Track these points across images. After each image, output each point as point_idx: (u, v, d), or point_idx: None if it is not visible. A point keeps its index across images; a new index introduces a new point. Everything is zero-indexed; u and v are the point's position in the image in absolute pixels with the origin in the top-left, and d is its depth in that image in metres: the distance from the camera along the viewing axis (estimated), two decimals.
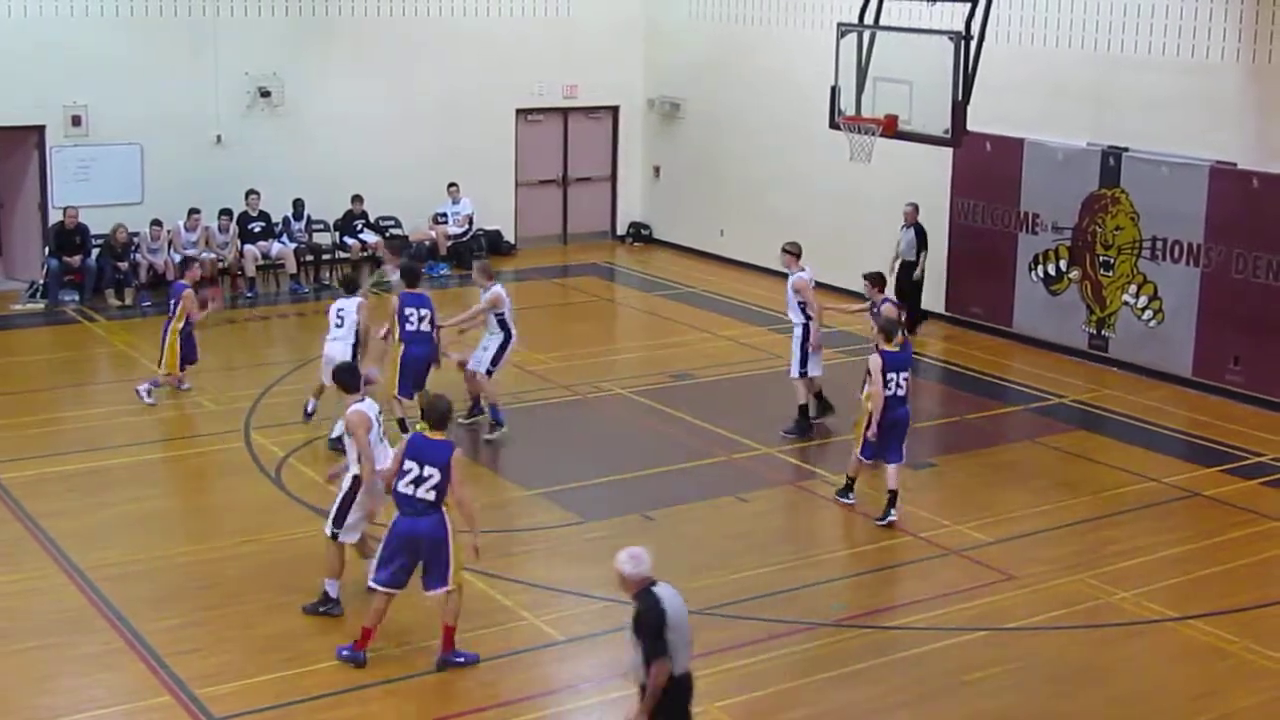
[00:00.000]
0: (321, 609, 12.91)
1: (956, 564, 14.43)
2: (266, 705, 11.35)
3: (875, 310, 17.09)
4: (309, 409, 17.94)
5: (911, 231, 22.79)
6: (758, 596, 13.50)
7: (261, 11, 25.63)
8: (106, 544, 14.37)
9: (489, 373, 17.80)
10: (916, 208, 22.75)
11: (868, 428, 15.16)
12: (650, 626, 9.04)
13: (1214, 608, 13.49)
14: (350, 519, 12.71)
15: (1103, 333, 21.34)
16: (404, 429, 16.94)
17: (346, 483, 12.71)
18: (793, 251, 18.14)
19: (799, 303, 17.84)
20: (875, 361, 15.09)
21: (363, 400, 12.79)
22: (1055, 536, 15.10)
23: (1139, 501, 16.11)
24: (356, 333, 17.21)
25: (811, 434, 18.12)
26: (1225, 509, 16.00)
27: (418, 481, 11.58)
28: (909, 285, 22.64)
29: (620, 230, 30.04)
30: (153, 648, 12.19)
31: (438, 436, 11.77)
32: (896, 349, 15.20)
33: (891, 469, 15.32)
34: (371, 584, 11.96)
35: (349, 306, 17.38)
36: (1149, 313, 20.72)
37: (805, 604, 13.39)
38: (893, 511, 15.22)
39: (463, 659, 12.06)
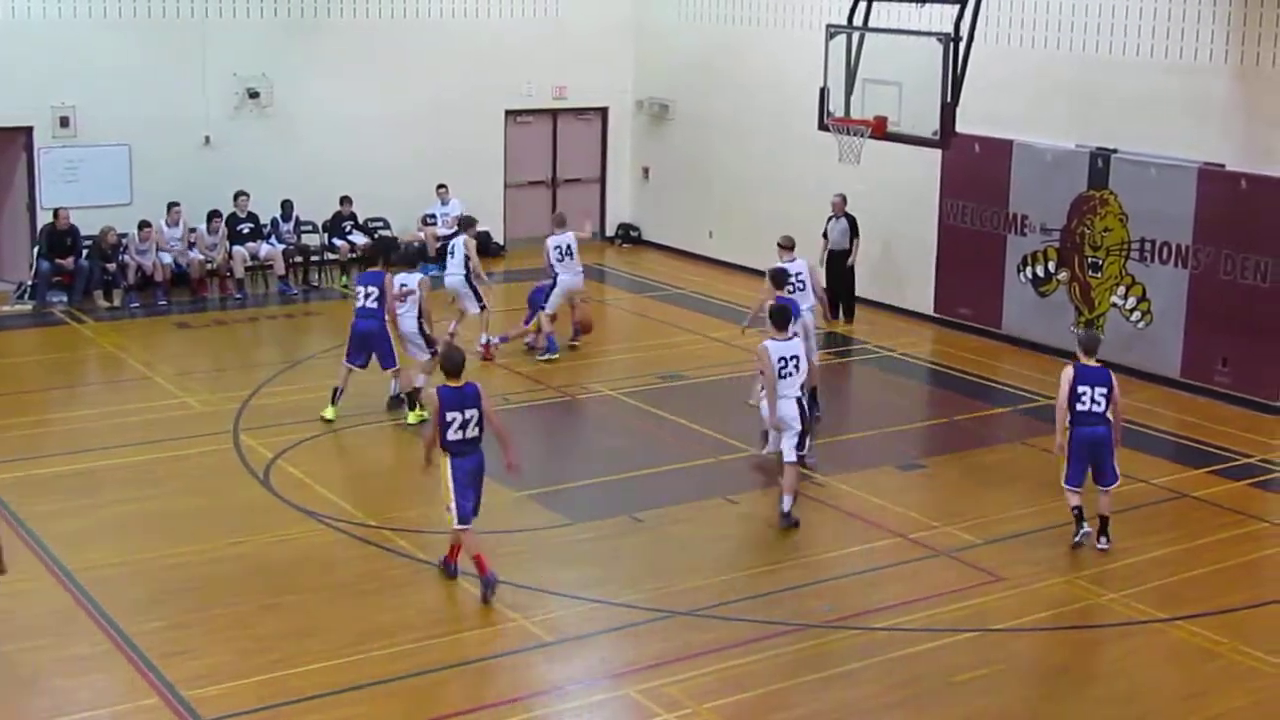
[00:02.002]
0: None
1: (945, 565, 14.44)
2: (255, 707, 11.33)
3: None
4: (394, 390, 18.73)
5: (843, 221, 23.37)
6: (747, 598, 13.50)
7: (250, 13, 25.61)
8: (95, 545, 14.34)
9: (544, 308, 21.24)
10: (844, 198, 23.36)
11: (1069, 458, 14.62)
12: None
13: (1203, 609, 13.51)
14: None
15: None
16: (333, 399, 18.23)
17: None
18: (782, 244, 18.79)
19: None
20: (1066, 373, 14.59)
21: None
22: (1044, 538, 15.10)
23: (1127, 503, 16.10)
24: (420, 306, 18.42)
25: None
26: (1213, 510, 16.02)
27: (464, 425, 13.14)
28: (842, 275, 23.42)
29: (609, 231, 30.05)
30: (141, 649, 12.17)
31: (460, 383, 13.18)
32: (1094, 364, 14.67)
33: (1100, 494, 14.73)
34: (460, 526, 13.30)
35: (411, 281, 18.44)
36: (1137, 314, 20.76)
37: (794, 605, 13.40)
38: (1103, 539, 14.67)
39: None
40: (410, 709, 11.47)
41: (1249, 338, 19.46)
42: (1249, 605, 13.71)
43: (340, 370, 18.33)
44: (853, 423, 18.62)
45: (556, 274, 21.18)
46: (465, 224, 21.86)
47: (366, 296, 18.14)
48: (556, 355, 21.06)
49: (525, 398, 19.41)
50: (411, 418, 18.18)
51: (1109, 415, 14.62)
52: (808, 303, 18.33)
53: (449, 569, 13.69)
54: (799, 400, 15.20)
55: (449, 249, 21.40)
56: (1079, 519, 14.77)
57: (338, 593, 13.46)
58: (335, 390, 18.24)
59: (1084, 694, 11.95)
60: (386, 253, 19.25)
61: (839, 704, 11.67)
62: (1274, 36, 18.92)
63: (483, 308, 21.03)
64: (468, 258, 20.90)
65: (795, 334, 15.68)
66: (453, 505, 13.27)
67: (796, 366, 15.20)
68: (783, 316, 15.51)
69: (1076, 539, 14.75)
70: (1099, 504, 14.77)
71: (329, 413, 18.18)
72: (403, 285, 18.39)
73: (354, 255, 26.08)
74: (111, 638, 12.43)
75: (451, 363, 13.34)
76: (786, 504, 15.23)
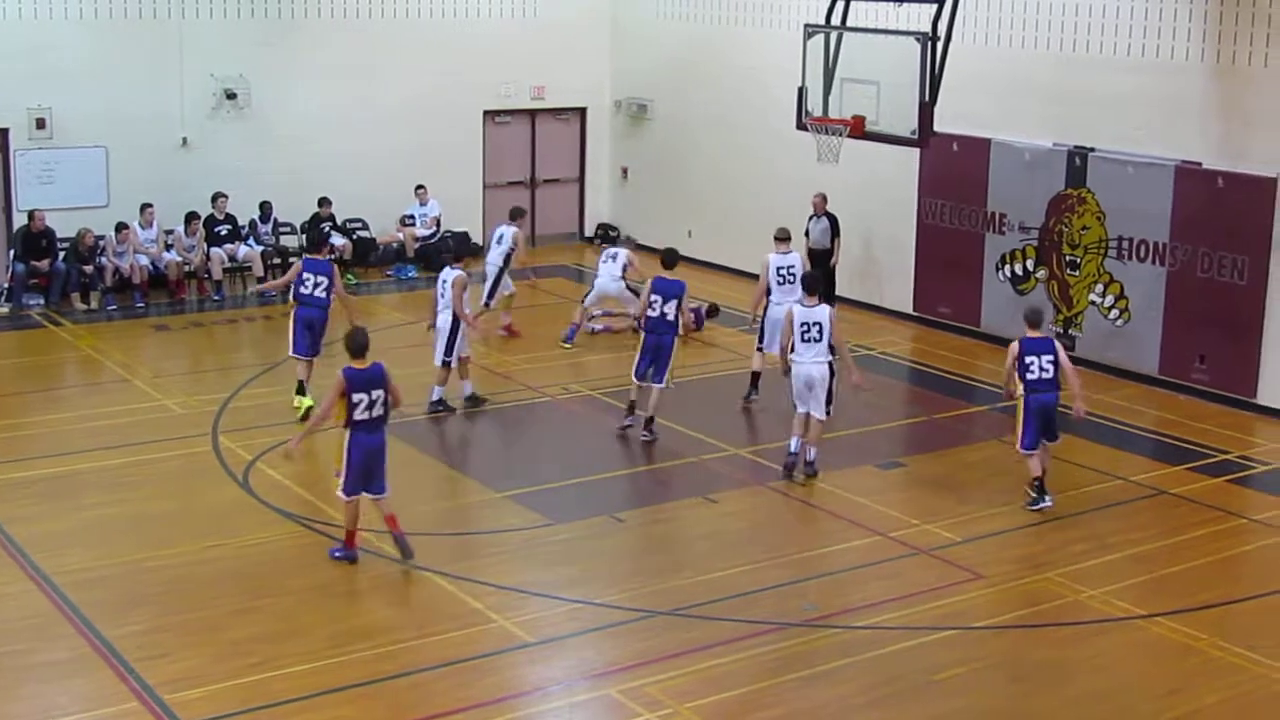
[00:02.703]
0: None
1: (925, 563, 14.46)
2: (235, 710, 11.31)
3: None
4: (468, 391, 18.86)
5: (824, 220, 23.38)
6: (727, 597, 13.50)
7: (227, 14, 25.54)
8: (73, 549, 14.29)
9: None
10: (825, 197, 23.32)
11: (1023, 424, 15.67)
12: None
13: (1181, 605, 13.55)
14: None
15: (1070, 332, 21.42)
16: (301, 390, 18.27)
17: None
18: (778, 236, 19.50)
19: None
20: (1012, 347, 15.78)
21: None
22: (1023, 535, 15.15)
23: (1105, 500, 16.18)
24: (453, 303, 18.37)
25: (751, 400, 19.28)
26: (1192, 506, 16.08)
27: (371, 406, 13.52)
28: (825, 273, 23.32)
29: (588, 232, 30.04)
30: (120, 653, 12.13)
31: (365, 364, 13.57)
32: (1038, 335, 15.81)
33: (1042, 449, 15.92)
34: (343, 496, 13.77)
35: (449, 278, 18.46)
36: (1115, 312, 20.81)
37: (775, 604, 13.41)
38: (1046, 497, 15.79)
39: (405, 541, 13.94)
40: (392, 711, 11.45)
41: (1226, 335, 19.52)
42: (1227, 601, 13.76)
43: (298, 366, 18.44)
44: (833, 421, 18.60)
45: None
46: (516, 214, 22.55)
47: (315, 286, 18.31)
48: (569, 345, 22.01)
49: (504, 398, 19.39)
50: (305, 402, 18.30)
51: (1059, 381, 15.67)
52: (795, 295, 18.48)
53: (402, 544, 13.94)
54: (830, 364, 16.35)
55: (495, 237, 22.25)
56: (1040, 489, 15.73)
57: (318, 594, 13.44)
58: (300, 383, 18.35)
59: (1063, 691, 11.98)
60: (327, 242, 20.02)
61: (820, 703, 11.68)
62: (1250, 35, 18.98)
63: (487, 305, 21.67)
64: (512, 250, 21.88)
65: (821, 302, 16.59)
66: (343, 475, 13.71)
67: (820, 333, 16.23)
68: (812, 282, 16.84)
69: (1037, 507, 15.68)
70: (1043, 459, 15.88)
71: (306, 402, 18.16)
72: (443, 282, 18.45)
73: (333, 257, 25.96)
74: (90, 642, 12.39)
75: (356, 344, 13.66)
76: (812, 454, 16.57)
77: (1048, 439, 15.84)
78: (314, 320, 18.38)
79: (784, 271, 18.86)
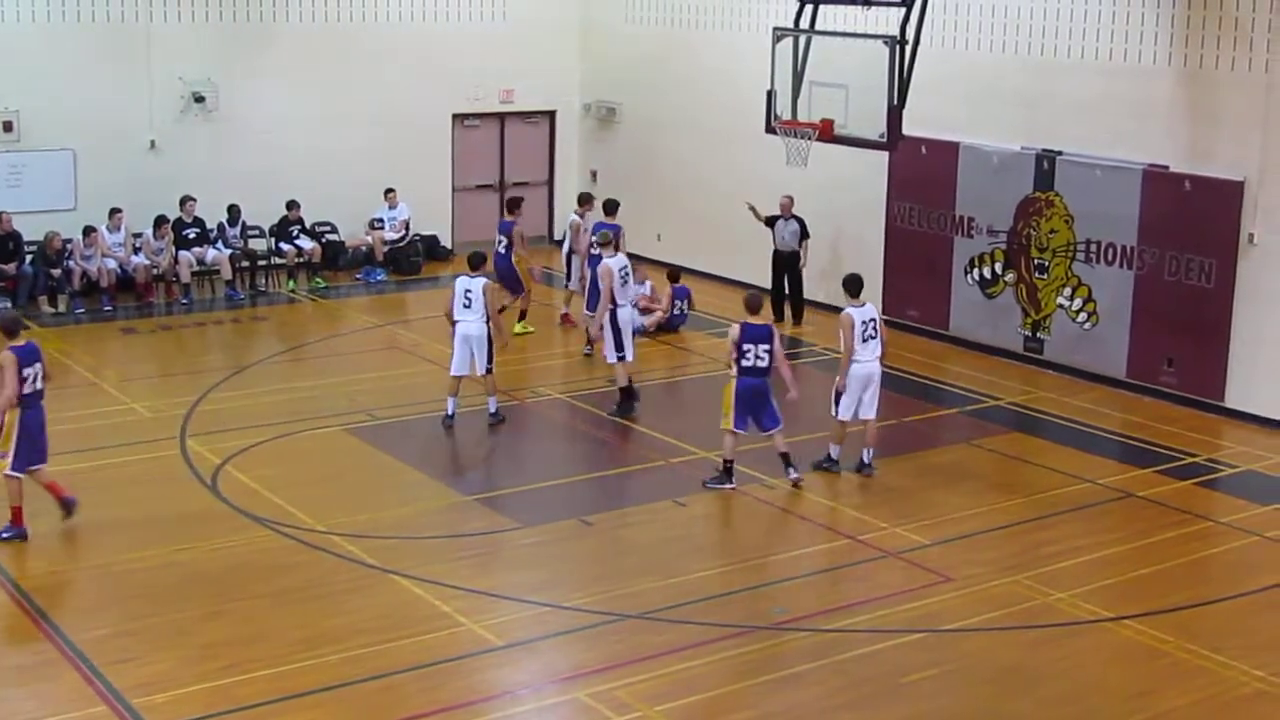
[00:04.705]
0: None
1: (894, 566, 14.48)
2: (203, 714, 11.26)
3: None
4: (450, 411, 18.41)
5: (794, 222, 23.53)
6: (696, 600, 13.51)
7: (195, 17, 25.44)
8: (39, 553, 14.23)
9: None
10: (792, 199, 23.45)
11: (734, 407, 16.15)
12: None
13: (1149, 608, 13.60)
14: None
15: (1038, 335, 21.48)
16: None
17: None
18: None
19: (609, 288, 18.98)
20: (733, 331, 16.13)
21: None
22: (992, 538, 15.18)
23: (1074, 503, 16.23)
24: (486, 311, 18.28)
25: (634, 413, 18.90)
26: (1160, 509, 16.13)
27: (35, 379, 14.41)
28: (793, 275, 23.65)
29: (557, 234, 29.99)
30: (87, 657, 12.08)
31: (23, 342, 14.50)
32: (760, 322, 16.29)
33: (775, 436, 16.45)
34: (15, 473, 14.44)
35: (475, 286, 18.21)
36: (1083, 315, 20.88)
37: (744, 607, 13.42)
38: (792, 470, 16.43)
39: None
40: (361, 714, 11.42)
41: (1194, 338, 19.60)
42: (1195, 604, 13.81)
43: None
44: (802, 425, 18.63)
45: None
46: (580, 200, 23.39)
47: (499, 244, 22.37)
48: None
49: (473, 401, 19.34)
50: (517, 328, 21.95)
51: (771, 369, 16.19)
52: (632, 295, 19.68)
53: (66, 505, 14.82)
54: (881, 359, 16.68)
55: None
56: (731, 471, 16.29)
57: (286, 598, 13.40)
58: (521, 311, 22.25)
59: (1032, 693, 12.01)
60: (518, 208, 22.71)
61: (789, 705, 11.69)
62: (1216, 39, 19.08)
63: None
64: (566, 234, 23.56)
65: (867, 301, 16.88)
66: (11, 455, 14.43)
67: (875, 329, 16.58)
68: (856, 283, 16.82)
69: (720, 487, 16.29)
70: (777, 445, 16.36)
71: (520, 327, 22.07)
72: (467, 290, 18.19)
73: (301, 260, 25.96)
74: (58, 645, 12.33)
75: (15, 323, 14.74)
76: (868, 456, 16.94)
77: (773, 427, 16.26)
78: (498, 266, 22.07)
79: (624, 273, 19.04)
